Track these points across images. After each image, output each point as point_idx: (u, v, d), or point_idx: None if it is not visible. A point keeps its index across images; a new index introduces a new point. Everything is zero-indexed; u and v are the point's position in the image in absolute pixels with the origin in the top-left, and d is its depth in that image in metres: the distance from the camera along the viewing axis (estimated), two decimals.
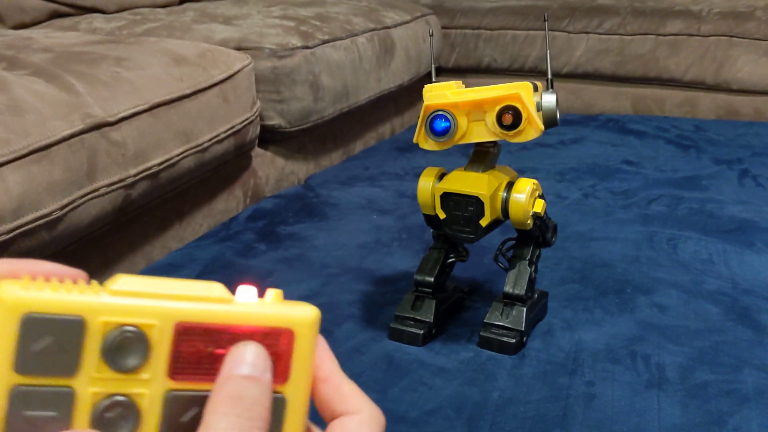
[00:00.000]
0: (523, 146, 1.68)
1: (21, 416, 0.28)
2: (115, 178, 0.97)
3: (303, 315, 0.32)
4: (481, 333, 0.87)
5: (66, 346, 0.29)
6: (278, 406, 0.31)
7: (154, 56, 1.13)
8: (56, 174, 0.87)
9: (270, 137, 1.44)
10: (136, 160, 1.00)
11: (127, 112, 0.99)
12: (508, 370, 0.83)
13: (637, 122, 1.92)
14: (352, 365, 0.85)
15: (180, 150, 1.09)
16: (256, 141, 1.37)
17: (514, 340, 0.85)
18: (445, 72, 2.21)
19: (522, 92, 0.75)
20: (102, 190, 0.95)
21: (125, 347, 0.30)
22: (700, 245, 1.15)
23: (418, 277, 0.89)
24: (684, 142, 1.73)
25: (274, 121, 1.40)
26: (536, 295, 0.91)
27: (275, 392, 0.31)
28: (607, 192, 1.41)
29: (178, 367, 0.30)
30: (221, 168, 1.28)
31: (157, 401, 0.30)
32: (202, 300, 0.31)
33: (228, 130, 1.21)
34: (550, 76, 0.84)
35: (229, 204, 1.34)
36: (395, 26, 1.77)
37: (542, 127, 0.78)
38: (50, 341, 0.29)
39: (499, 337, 0.86)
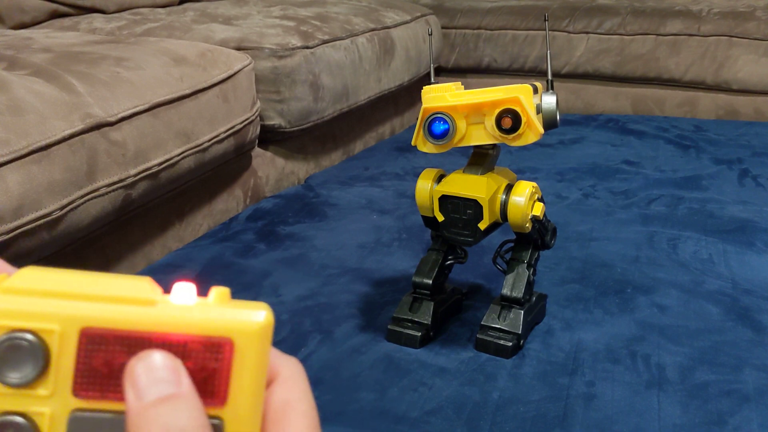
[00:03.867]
0: (523, 146, 1.68)
1: None
2: (115, 178, 0.97)
3: (247, 321, 0.25)
4: (477, 335, 0.87)
5: None
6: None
7: (154, 56, 1.13)
8: (56, 174, 0.87)
9: (270, 137, 1.44)
10: (136, 160, 1.00)
11: (127, 112, 0.99)
12: (508, 371, 0.83)
13: (637, 122, 1.92)
14: (351, 365, 0.85)
15: (180, 150, 1.09)
16: (256, 141, 1.37)
17: (510, 344, 0.85)
18: (445, 72, 2.21)
19: (521, 95, 0.75)
20: (102, 190, 0.95)
21: (16, 357, 0.25)
22: (700, 245, 1.15)
23: (417, 279, 0.89)
24: (684, 142, 1.73)
25: (274, 121, 1.40)
26: (534, 298, 0.91)
27: (210, 417, 0.25)
28: (607, 192, 1.41)
29: (86, 382, 0.25)
30: (221, 168, 1.28)
31: (61, 422, 0.25)
32: (120, 301, 0.25)
33: (228, 130, 1.21)
34: (550, 77, 0.84)
35: (229, 204, 1.34)
36: (395, 26, 1.77)
37: (542, 130, 0.78)
38: None
39: (495, 340, 0.86)
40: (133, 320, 0.25)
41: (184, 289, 0.25)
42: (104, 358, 0.25)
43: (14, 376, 0.24)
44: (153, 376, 0.23)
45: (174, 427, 0.22)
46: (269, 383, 0.27)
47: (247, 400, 0.25)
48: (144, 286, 0.25)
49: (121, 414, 0.24)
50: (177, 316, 0.25)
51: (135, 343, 0.25)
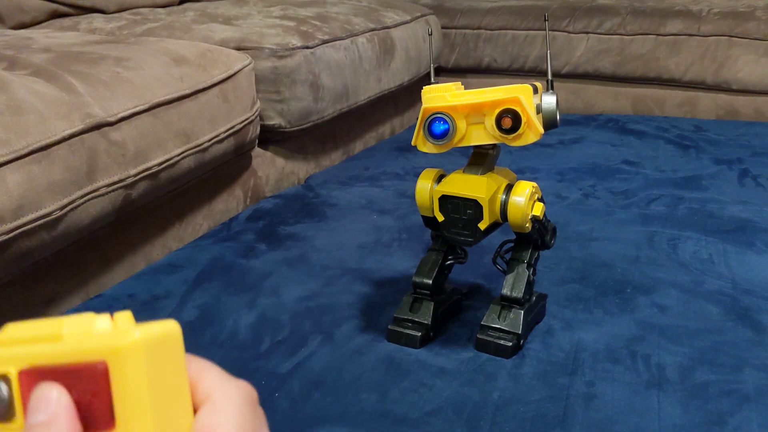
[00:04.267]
0: (523, 146, 1.68)
1: None
2: (115, 178, 0.97)
3: (119, 341, 0.25)
4: (477, 335, 0.87)
5: None
6: None
7: (154, 56, 1.13)
8: (56, 174, 0.87)
9: (270, 137, 1.44)
10: (136, 160, 1.00)
11: (127, 112, 0.99)
12: (508, 371, 0.83)
13: (637, 122, 1.92)
14: (352, 366, 0.85)
15: (180, 150, 1.09)
16: (256, 141, 1.37)
17: (510, 344, 0.85)
18: (445, 72, 2.21)
19: (522, 95, 0.75)
20: (102, 190, 0.95)
21: None
22: (700, 245, 1.15)
23: (417, 279, 0.89)
24: (684, 142, 1.73)
25: (274, 121, 1.40)
26: (534, 298, 0.91)
27: None
28: (607, 192, 1.41)
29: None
30: (221, 168, 1.28)
31: None
32: (37, 340, 0.26)
33: (228, 130, 1.21)
34: (550, 77, 0.84)
35: (229, 204, 1.34)
36: (395, 26, 1.77)
37: (542, 130, 0.78)
38: None
39: (495, 340, 0.86)
40: (40, 355, 0.26)
41: (102, 320, 0.26)
42: (29, 392, 0.26)
43: None
44: (34, 405, 0.25)
45: None
46: (197, 406, 0.27)
47: (137, 420, 0.25)
48: (70, 321, 0.26)
49: None
50: (69, 347, 0.25)
51: (44, 375, 0.26)
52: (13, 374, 0.26)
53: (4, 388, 0.26)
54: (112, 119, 0.97)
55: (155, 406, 0.25)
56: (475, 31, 2.16)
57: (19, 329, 0.27)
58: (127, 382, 0.25)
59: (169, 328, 0.25)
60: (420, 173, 0.86)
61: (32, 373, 0.26)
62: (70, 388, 0.25)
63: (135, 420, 0.25)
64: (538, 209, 0.83)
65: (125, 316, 0.26)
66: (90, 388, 0.25)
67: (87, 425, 0.25)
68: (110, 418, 0.25)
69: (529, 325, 0.89)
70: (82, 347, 0.25)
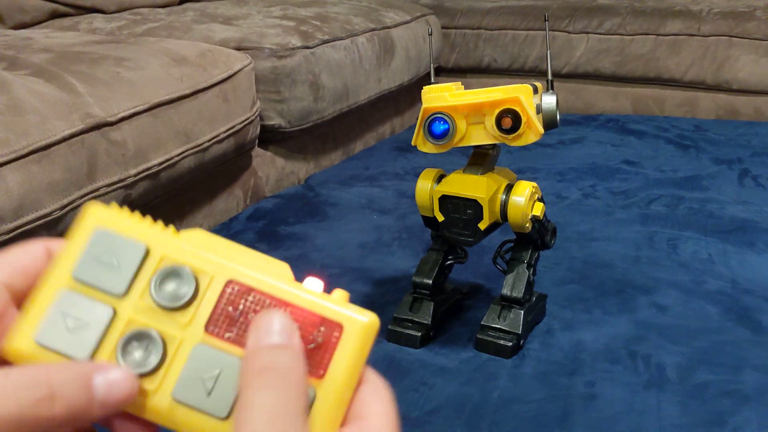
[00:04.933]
0: (523, 146, 1.68)
1: (59, 312, 0.29)
2: (115, 178, 0.97)
3: (358, 316, 0.30)
4: (477, 335, 0.87)
5: (123, 266, 0.30)
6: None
7: (154, 56, 1.13)
8: (56, 174, 0.87)
9: (270, 137, 1.44)
10: (136, 160, 1.00)
11: (127, 112, 0.99)
12: (508, 370, 0.83)
13: (637, 122, 1.92)
14: None
15: (180, 150, 1.09)
16: (256, 141, 1.37)
17: (510, 343, 0.85)
18: (445, 72, 2.21)
19: (522, 95, 0.75)
20: (102, 190, 0.95)
21: (172, 284, 0.30)
22: (700, 245, 1.15)
23: (417, 279, 0.89)
24: (684, 142, 1.73)
25: (274, 121, 1.40)
26: (534, 298, 0.91)
27: (309, 384, 0.29)
28: (607, 192, 1.41)
29: (218, 324, 0.30)
30: (221, 168, 1.28)
31: (186, 349, 0.30)
32: (263, 271, 0.31)
33: (228, 130, 1.21)
34: (550, 77, 0.84)
35: (229, 204, 1.34)
36: (395, 26, 1.77)
37: (542, 130, 0.78)
38: (112, 257, 0.30)
39: (495, 340, 0.86)
40: (269, 287, 0.30)
41: (314, 282, 0.31)
42: (237, 308, 0.30)
43: (166, 298, 0.30)
44: (272, 328, 0.28)
45: (278, 365, 0.27)
46: (358, 384, 0.31)
47: (341, 381, 0.30)
48: (285, 268, 0.31)
49: (237, 358, 0.29)
50: (304, 296, 0.30)
51: (267, 303, 0.30)
52: (209, 274, 0.30)
53: (192, 280, 0.30)
54: (112, 119, 0.97)
55: (354, 375, 0.30)
56: (475, 31, 2.16)
57: (215, 241, 0.31)
58: (351, 349, 0.30)
59: (376, 321, 0.31)
60: (420, 173, 0.86)
61: (245, 291, 0.30)
62: (303, 327, 0.30)
63: (340, 379, 0.30)
64: (538, 209, 0.83)
65: (344, 295, 0.31)
66: (318, 339, 0.30)
67: None
68: (323, 371, 0.29)
69: (529, 325, 0.89)
70: (318, 303, 0.30)
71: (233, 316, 0.30)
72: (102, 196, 0.95)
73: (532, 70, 2.11)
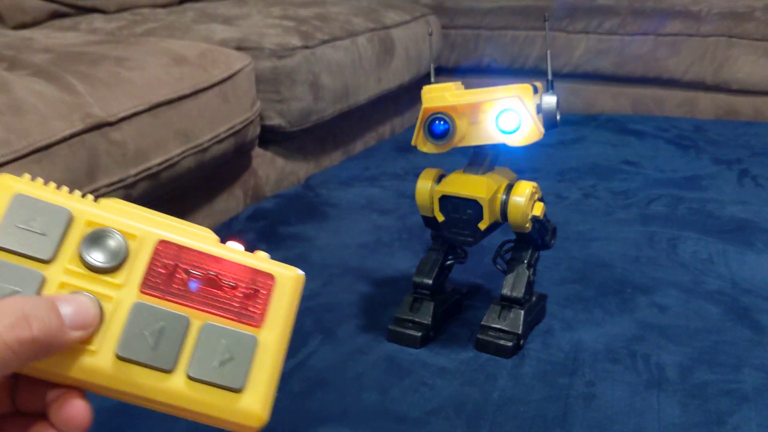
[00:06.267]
0: (523, 146, 1.68)
1: None
2: (115, 178, 0.97)
3: (287, 269, 0.32)
4: (477, 335, 0.87)
5: (48, 231, 0.30)
6: (249, 347, 0.31)
7: (154, 56, 1.13)
8: (56, 174, 0.87)
9: (270, 137, 1.44)
10: (136, 160, 1.00)
11: (127, 112, 0.99)
12: (508, 371, 0.83)
13: (637, 122, 1.92)
14: (353, 365, 0.85)
15: (180, 150, 1.09)
16: (256, 141, 1.37)
17: (510, 344, 0.85)
18: (445, 72, 2.21)
19: (522, 95, 0.75)
20: (102, 190, 0.95)
21: (102, 247, 0.30)
22: (700, 245, 1.15)
23: (417, 279, 0.89)
24: (684, 142, 1.73)
25: (274, 121, 1.40)
26: (534, 298, 0.91)
27: (249, 333, 0.31)
28: (607, 192, 1.41)
29: (154, 282, 0.31)
30: (221, 168, 1.28)
31: (124, 308, 0.30)
32: (190, 235, 0.32)
33: (228, 130, 1.21)
34: (550, 77, 0.83)
35: (229, 204, 1.34)
36: (395, 26, 1.77)
37: (542, 130, 0.78)
38: (34, 222, 0.30)
39: (495, 340, 0.86)
40: (201, 247, 0.31)
41: (236, 244, 0.32)
42: (171, 266, 0.31)
43: (97, 260, 0.30)
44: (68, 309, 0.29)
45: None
46: None
47: (278, 328, 0.31)
48: (209, 233, 0.32)
49: (176, 312, 0.30)
50: (234, 254, 0.32)
51: (200, 259, 0.31)
52: (138, 237, 0.31)
53: (122, 242, 0.30)
54: (113, 119, 0.97)
55: (289, 323, 0.32)
56: (475, 31, 2.16)
57: (138, 208, 0.32)
58: (284, 298, 0.32)
59: (303, 275, 0.33)
60: (420, 173, 0.86)
61: (175, 249, 0.31)
62: (235, 281, 0.31)
63: (277, 327, 0.31)
64: (539, 209, 0.83)
65: (265, 255, 0.33)
66: (253, 288, 0.31)
67: (240, 316, 0.31)
68: (261, 319, 0.31)
69: (529, 325, 0.89)
70: (250, 258, 0.32)
71: (168, 275, 0.31)
72: (102, 196, 0.95)
73: (533, 70, 2.11)
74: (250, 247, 0.34)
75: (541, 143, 0.81)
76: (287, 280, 0.32)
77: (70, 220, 0.30)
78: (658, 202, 1.34)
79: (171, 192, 1.15)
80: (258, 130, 1.34)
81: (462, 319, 0.95)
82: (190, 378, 0.30)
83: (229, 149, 1.23)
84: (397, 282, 1.05)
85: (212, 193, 1.30)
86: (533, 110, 0.76)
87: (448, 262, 0.91)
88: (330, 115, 1.51)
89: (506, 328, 0.86)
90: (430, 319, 0.89)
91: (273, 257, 0.33)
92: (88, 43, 1.17)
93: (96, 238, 0.30)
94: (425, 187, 0.84)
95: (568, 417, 0.75)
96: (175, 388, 0.30)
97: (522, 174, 0.89)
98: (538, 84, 0.83)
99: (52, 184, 0.31)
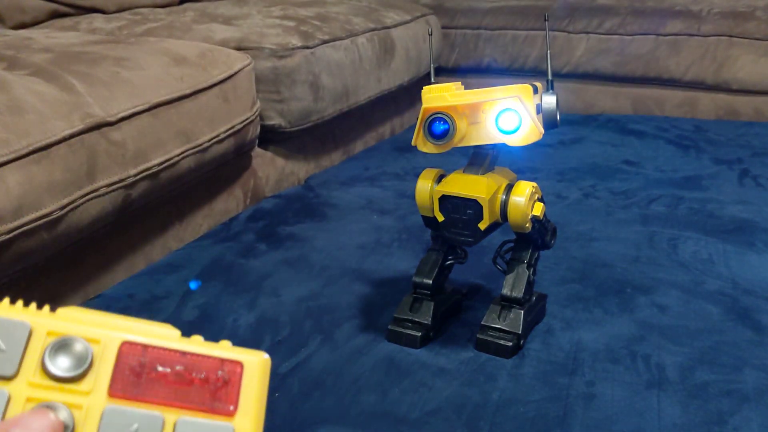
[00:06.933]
0: (523, 146, 1.68)
1: None
2: (115, 178, 0.97)
3: (253, 354, 0.32)
4: (477, 335, 0.87)
5: (8, 347, 0.29)
6: None
7: (154, 56, 1.13)
8: (56, 174, 0.87)
9: (270, 137, 1.44)
10: (136, 160, 1.00)
11: (127, 112, 0.99)
12: (508, 371, 0.83)
13: (637, 122, 1.92)
14: (352, 366, 0.85)
15: (180, 150, 1.09)
16: (256, 141, 1.37)
17: (510, 343, 0.85)
18: (445, 72, 2.21)
19: (521, 95, 0.75)
20: (102, 190, 0.95)
21: (66, 356, 0.30)
22: (700, 245, 1.15)
23: (417, 279, 0.89)
24: (684, 142, 1.73)
25: (274, 121, 1.40)
26: (534, 298, 0.91)
27: (224, 423, 0.31)
28: (607, 192, 1.41)
29: (120, 384, 0.30)
30: (221, 168, 1.28)
31: (95, 414, 0.30)
32: (150, 333, 0.31)
33: (228, 130, 1.21)
34: (550, 77, 0.83)
35: (229, 204, 1.34)
36: (395, 26, 1.77)
37: (542, 130, 0.78)
38: None
39: (495, 340, 0.86)
40: (164, 343, 0.31)
41: (199, 337, 0.32)
42: (137, 366, 0.31)
43: (62, 369, 0.29)
44: (32, 426, 0.28)
45: None
46: None
47: (252, 413, 0.31)
48: (169, 328, 0.32)
49: (149, 411, 0.30)
50: (197, 346, 0.32)
51: (165, 356, 0.31)
52: (101, 341, 0.30)
53: (86, 348, 0.30)
54: (112, 119, 0.97)
55: (262, 408, 0.32)
56: (475, 31, 2.16)
57: (94, 314, 0.31)
58: (255, 383, 0.32)
59: (269, 359, 0.33)
60: (420, 173, 0.85)
61: (140, 350, 0.31)
62: (204, 373, 0.31)
63: (251, 413, 0.31)
64: (538, 209, 0.83)
65: (228, 342, 0.33)
66: (222, 378, 0.31)
67: (213, 407, 0.31)
68: (234, 406, 0.31)
69: (529, 325, 0.89)
70: (215, 348, 0.32)
71: (135, 375, 0.31)
72: (102, 196, 0.95)
73: (533, 70, 2.11)
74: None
75: (541, 143, 0.81)
76: (254, 366, 0.32)
77: (30, 333, 0.30)
78: (659, 202, 1.34)
79: (171, 192, 1.15)
80: (258, 130, 1.34)
81: (462, 319, 0.95)
82: None
83: (229, 149, 1.23)
84: (396, 282, 1.05)
85: (212, 193, 1.30)
86: (533, 110, 0.76)
87: (448, 262, 0.91)
88: (330, 115, 1.51)
89: (506, 328, 0.86)
90: (430, 319, 0.89)
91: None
92: (88, 43, 1.17)
93: (59, 347, 0.30)
94: (425, 187, 0.84)
95: (568, 417, 0.75)
96: None
97: (522, 174, 0.89)
98: (538, 84, 0.83)
99: (6, 300, 0.31)
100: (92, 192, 0.93)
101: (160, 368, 0.31)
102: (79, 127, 0.91)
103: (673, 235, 1.19)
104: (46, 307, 0.31)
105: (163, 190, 1.10)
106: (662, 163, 1.58)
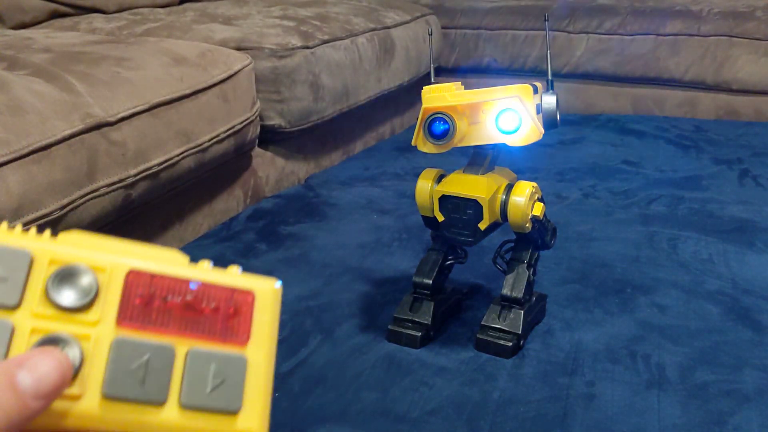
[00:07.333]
0: (523, 146, 1.68)
1: None
2: (115, 178, 0.97)
3: (265, 283, 0.31)
4: (477, 335, 0.87)
5: (10, 276, 0.28)
6: (239, 367, 0.30)
7: (154, 56, 1.13)
8: (56, 174, 0.87)
9: (270, 137, 1.44)
10: (136, 160, 1.00)
11: (127, 112, 0.99)
12: (509, 370, 0.83)
13: (637, 122, 1.92)
14: (353, 365, 0.85)
15: (180, 150, 1.09)
16: (256, 141, 1.37)
17: (510, 344, 0.85)
18: (445, 72, 2.21)
19: (521, 95, 0.75)
20: (102, 190, 0.95)
21: (71, 285, 0.29)
22: (700, 245, 1.15)
23: (417, 279, 0.89)
24: (684, 142, 1.73)
25: (274, 121, 1.40)
26: (534, 298, 0.91)
27: (236, 353, 0.30)
28: (607, 192, 1.41)
29: (128, 314, 0.29)
30: (221, 168, 1.28)
31: (104, 345, 0.29)
32: (158, 259, 0.30)
33: (228, 130, 1.21)
34: (550, 77, 0.83)
35: (229, 204, 1.34)
36: (395, 26, 1.77)
37: (542, 130, 0.78)
38: None
39: (495, 340, 0.86)
40: (172, 271, 0.30)
41: (208, 263, 0.31)
42: (145, 295, 0.30)
43: (68, 299, 0.28)
44: (38, 369, 0.27)
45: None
46: None
47: (264, 344, 0.31)
48: (177, 254, 0.31)
49: (159, 342, 0.29)
50: (209, 272, 0.31)
51: (174, 284, 0.30)
52: (107, 270, 0.29)
53: (92, 277, 0.29)
54: (112, 119, 0.97)
55: (275, 337, 0.31)
56: (475, 31, 2.16)
57: (100, 239, 0.30)
58: (266, 312, 0.31)
59: (280, 287, 0.32)
60: (420, 173, 0.85)
61: (147, 279, 0.30)
62: (215, 302, 0.30)
63: (263, 342, 0.31)
64: (538, 209, 0.83)
65: (237, 268, 0.32)
66: (238, 309, 0.30)
67: (225, 337, 0.31)
68: (246, 336, 0.31)
69: (529, 325, 0.89)
70: (225, 277, 0.31)
71: (144, 304, 0.30)
72: (102, 196, 0.95)
73: (533, 70, 2.11)
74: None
75: (541, 143, 0.81)
76: (267, 294, 0.31)
77: (31, 261, 0.29)
78: (658, 202, 1.34)
79: (171, 192, 1.15)
80: (258, 130, 1.34)
81: (462, 319, 0.95)
82: (184, 407, 0.29)
83: (229, 149, 1.23)
84: (396, 282, 1.05)
85: (212, 193, 1.30)
86: (533, 110, 0.76)
87: (448, 262, 0.91)
88: (330, 115, 1.51)
89: (506, 328, 0.86)
90: (430, 319, 0.89)
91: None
92: (88, 43, 1.17)
93: (63, 276, 0.29)
94: (425, 187, 0.84)
95: (568, 417, 0.75)
96: (169, 420, 0.29)
97: (522, 174, 0.89)
98: (538, 84, 0.83)
99: (4, 224, 0.30)
100: (92, 192, 0.93)
101: (169, 298, 0.30)
102: (79, 127, 0.91)
103: (673, 235, 1.19)
104: (47, 232, 0.30)
105: (163, 190, 1.10)
106: (662, 163, 1.58)
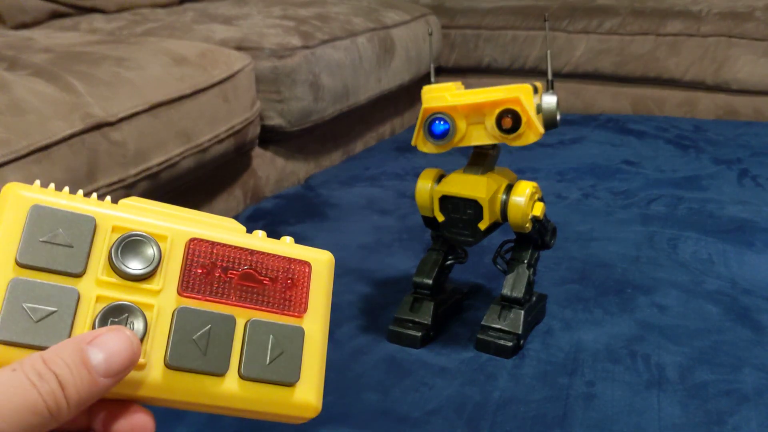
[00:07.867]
0: (523, 146, 1.68)
1: (16, 304, 0.26)
2: (115, 178, 0.97)
3: (320, 253, 0.32)
4: (478, 335, 0.87)
5: (74, 243, 0.28)
6: (297, 338, 0.30)
7: (154, 56, 1.13)
8: (56, 174, 0.87)
9: (270, 137, 1.44)
10: (136, 160, 1.00)
11: (127, 112, 0.99)
12: (509, 370, 0.83)
13: (637, 122, 1.92)
14: (354, 366, 0.85)
15: (180, 150, 1.09)
16: (256, 141, 1.37)
17: (510, 344, 0.85)
18: (445, 72, 2.21)
19: (521, 95, 0.75)
20: (102, 191, 0.95)
21: (134, 253, 0.29)
22: (700, 245, 1.15)
23: (417, 279, 0.89)
24: (684, 142, 1.73)
25: (274, 121, 1.40)
26: (534, 298, 0.91)
27: (294, 324, 0.31)
28: (607, 192, 1.41)
29: (190, 284, 0.29)
30: (221, 168, 1.28)
31: (167, 315, 0.29)
32: (216, 227, 0.30)
33: (228, 130, 1.21)
34: (550, 77, 0.84)
35: (229, 204, 1.34)
36: (395, 26, 1.77)
37: (542, 130, 0.78)
38: (58, 234, 0.28)
39: (495, 340, 0.86)
40: (232, 240, 0.30)
41: (261, 232, 0.32)
42: (207, 265, 0.30)
43: (132, 268, 0.28)
44: (108, 346, 0.27)
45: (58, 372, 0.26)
46: None
47: (320, 313, 0.31)
48: (233, 223, 0.31)
49: (222, 313, 0.29)
50: (266, 241, 0.31)
51: (234, 254, 0.30)
52: (168, 238, 0.29)
53: (155, 245, 0.29)
54: (112, 119, 0.97)
55: (329, 307, 0.31)
56: (475, 31, 2.16)
57: (160, 205, 0.30)
58: (322, 283, 0.31)
59: (333, 256, 0.32)
60: (420, 173, 0.86)
61: (209, 248, 0.30)
62: (273, 273, 0.31)
63: (318, 312, 0.31)
64: (539, 209, 0.83)
65: (291, 240, 0.33)
66: (295, 280, 0.31)
67: (283, 308, 0.31)
68: (304, 308, 0.31)
69: (529, 325, 0.89)
70: (281, 247, 0.31)
71: (205, 274, 0.30)
72: (102, 196, 0.95)
73: (532, 70, 2.11)
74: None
75: (541, 143, 0.81)
76: (322, 265, 0.32)
77: (95, 228, 0.28)
78: (658, 202, 1.34)
79: (171, 192, 1.15)
80: (258, 130, 1.34)
81: (462, 319, 0.95)
82: (244, 378, 0.29)
83: (229, 149, 1.23)
84: (397, 282, 1.05)
85: (212, 193, 1.30)
86: (533, 110, 0.76)
87: (448, 262, 0.91)
88: (330, 115, 1.51)
89: (506, 328, 0.86)
90: (430, 319, 0.89)
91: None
92: (88, 43, 1.17)
93: (127, 244, 0.28)
94: (425, 187, 0.84)
95: (568, 417, 0.75)
96: (230, 391, 0.29)
97: (522, 174, 0.89)
98: (538, 84, 0.83)
99: (66, 190, 0.29)
100: (92, 192, 0.93)
101: (229, 268, 0.30)
102: (80, 127, 0.91)
103: (673, 235, 1.19)
104: (107, 199, 0.29)
105: (163, 190, 1.10)
106: (662, 163, 1.58)
